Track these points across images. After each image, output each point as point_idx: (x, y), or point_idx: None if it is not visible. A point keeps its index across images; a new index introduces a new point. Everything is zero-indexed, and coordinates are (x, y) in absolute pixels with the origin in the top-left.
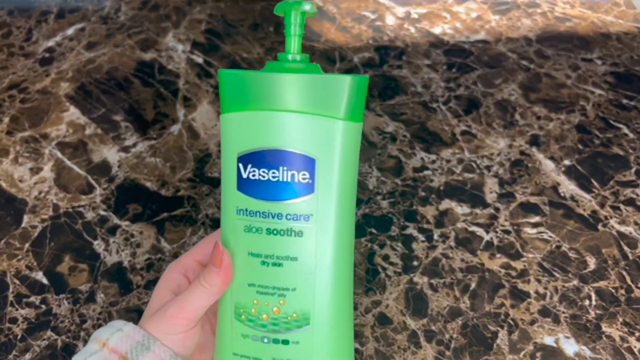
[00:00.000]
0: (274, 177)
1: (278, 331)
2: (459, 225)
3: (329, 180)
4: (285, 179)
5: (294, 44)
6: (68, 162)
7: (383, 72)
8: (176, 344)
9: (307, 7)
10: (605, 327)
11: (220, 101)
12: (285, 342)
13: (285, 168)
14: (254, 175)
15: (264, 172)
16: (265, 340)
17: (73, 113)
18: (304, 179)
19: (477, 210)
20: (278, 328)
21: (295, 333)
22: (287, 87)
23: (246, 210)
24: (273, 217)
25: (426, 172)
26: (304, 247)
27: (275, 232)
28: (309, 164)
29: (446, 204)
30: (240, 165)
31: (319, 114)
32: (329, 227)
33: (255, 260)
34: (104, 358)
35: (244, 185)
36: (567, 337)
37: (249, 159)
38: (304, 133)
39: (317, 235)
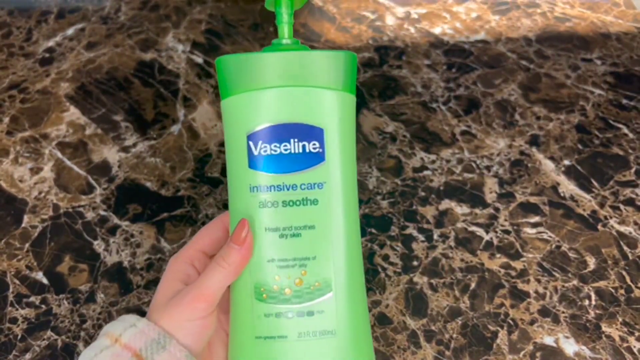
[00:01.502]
0: (285, 149)
1: (302, 302)
2: (459, 225)
3: (336, 148)
4: (297, 151)
5: (286, 30)
6: (68, 162)
7: (383, 72)
8: (193, 334)
9: None
10: (605, 327)
11: (220, 89)
12: (310, 313)
13: (295, 140)
14: (265, 151)
15: (275, 146)
16: (290, 314)
17: (73, 113)
18: (314, 148)
19: (477, 210)
20: (302, 299)
21: (319, 301)
22: (287, 64)
23: (259, 186)
24: (288, 189)
25: (426, 172)
26: (320, 214)
27: (291, 203)
28: (318, 133)
29: (446, 204)
30: (251, 143)
31: (319, 87)
32: (340, 192)
33: (272, 235)
34: (116, 354)
35: (255, 162)
36: (567, 337)
37: (259, 135)
38: (308, 105)
39: (331, 201)
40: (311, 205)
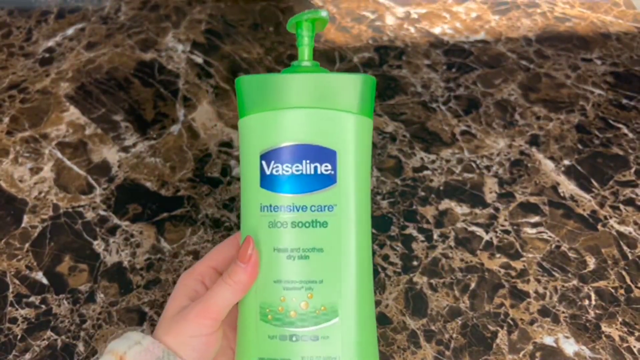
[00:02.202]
0: (297, 170)
1: (307, 326)
2: (459, 225)
3: (349, 171)
4: (308, 172)
5: (306, 53)
6: (68, 162)
7: (383, 72)
8: (197, 351)
9: (323, 13)
10: (604, 327)
11: (238, 108)
12: (315, 338)
13: (308, 161)
14: (277, 171)
15: (287, 167)
16: (294, 338)
17: (73, 113)
18: (326, 170)
19: (477, 210)
20: (306, 323)
21: (324, 327)
22: (305, 85)
23: (270, 206)
24: (298, 210)
25: (426, 172)
26: (329, 237)
27: (300, 224)
28: (331, 155)
29: (446, 204)
30: (264, 162)
31: (335, 109)
32: (352, 216)
33: (280, 256)
34: None
35: (267, 181)
36: (567, 337)
37: (272, 155)
38: (323, 127)
39: (341, 224)
40: (320, 228)
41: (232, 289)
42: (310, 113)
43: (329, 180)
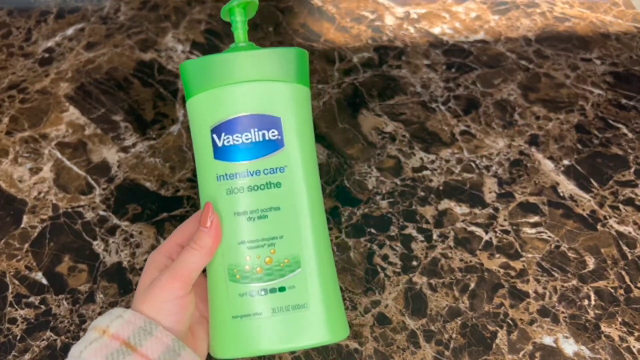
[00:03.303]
0: (247, 139)
1: (273, 279)
2: (458, 225)
3: (294, 134)
4: (257, 139)
5: (241, 35)
6: (67, 162)
7: (382, 72)
8: (173, 314)
9: None
10: (604, 327)
11: (185, 92)
12: (282, 289)
13: (255, 129)
14: (228, 142)
15: (237, 136)
16: (262, 292)
17: (72, 113)
18: (273, 135)
19: (476, 210)
20: (272, 277)
21: (290, 277)
22: (245, 62)
23: (226, 175)
24: (252, 175)
25: (425, 172)
26: (283, 196)
27: (256, 187)
28: (276, 122)
29: (445, 204)
30: (214, 135)
31: (275, 80)
32: (301, 175)
33: (241, 219)
34: (105, 345)
35: (220, 153)
36: (566, 337)
37: (222, 128)
38: (266, 97)
39: (293, 183)
40: (275, 189)
41: (198, 253)
42: (253, 86)
43: (277, 144)
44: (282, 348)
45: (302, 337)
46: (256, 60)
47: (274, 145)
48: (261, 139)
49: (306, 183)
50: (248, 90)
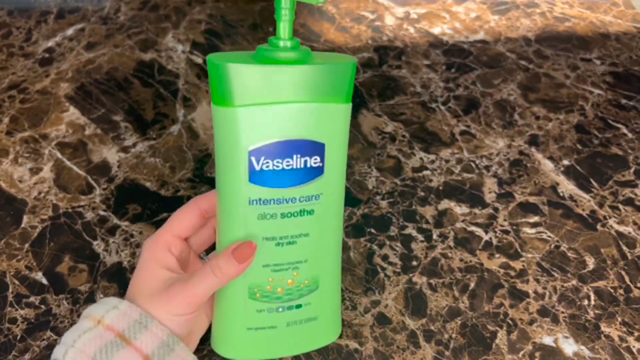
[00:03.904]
0: (288, 165)
1: (292, 299)
2: (458, 225)
3: (335, 160)
4: (299, 166)
5: (286, 30)
6: (68, 163)
7: (382, 72)
8: (175, 325)
9: None
10: (604, 327)
11: (213, 93)
12: (299, 306)
13: (298, 155)
14: (267, 167)
15: (278, 162)
16: (280, 309)
17: (73, 113)
18: (315, 163)
19: (476, 210)
20: (292, 297)
21: (307, 297)
22: (297, 79)
23: (259, 200)
24: (287, 202)
25: (425, 172)
26: (314, 223)
27: (289, 214)
28: (319, 148)
29: (445, 204)
30: (253, 158)
31: (326, 102)
32: (335, 202)
33: (269, 244)
34: (99, 335)
35: (257, 177)
36: (566, 337)
37: (262, 152)
38: (314, 121)
39: (326, 211)
40: (307, 216)
41: (219, 280)
42: (301, 108)
43: (317, 172)
44: (289, 354)
45: (310, 344)
46: (311, 78)
47: (315, 173)
48: (302, 166)
49: (337, 209)
50: (296, 113)
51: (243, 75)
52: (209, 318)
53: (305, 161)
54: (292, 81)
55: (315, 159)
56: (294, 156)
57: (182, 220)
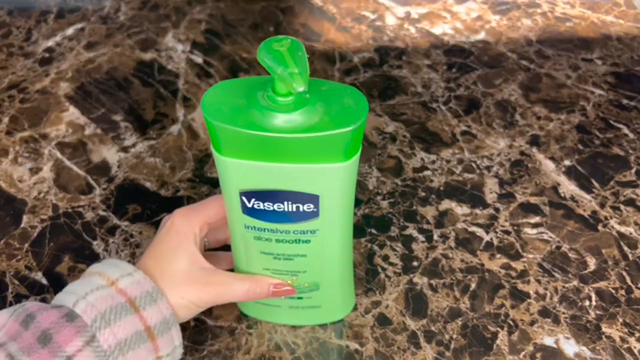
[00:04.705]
0: (279, 208)
1: (292, 298)
2: (459, 225)
3: (333, 205)
4: (290, 210)
5: (283, 86)
6: (67, 162)
7: (383, 72)
8: (180, 308)
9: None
10: (605, 328)
11: (212, 139)
12: (300, 298)
13: (289, 202)
14: (258, 206)
15: (268, 204)
16: (282, 298)
17: (72, 113)
18: (308, 209)
19: (477, 211)
20: (292, 296)
21: (308, 294)
22: (287, 147)
23: (254, 227)
24: (281, 233)
25: (426, 173)
26: (312, 249)
27: (284, 241)
28: (313, 198)
29: (446, 204)
30: (244, 198)
31: (320, 162)
32: (333, 233)
33: (268, 256)
34: (111, 296)
35: (249, 211)
36: (567, 338)
37: (252, 195)
38: (306, 177)
39: (322, 240)
40: (303, 244)
41: (245, 296)
42: (295, 168)
43: (311, 215)
44: (292, 324)
45: (314, 320)
46: (302, 146)
47: (308, 216)
48: (294, 210)
49: (337, 237)
50: (287, 171)
51: (229, 135)
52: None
53: (298, 207)
54: (282, 148)
55: (309, 206)
56: (285, 202)
57: (212, 208)
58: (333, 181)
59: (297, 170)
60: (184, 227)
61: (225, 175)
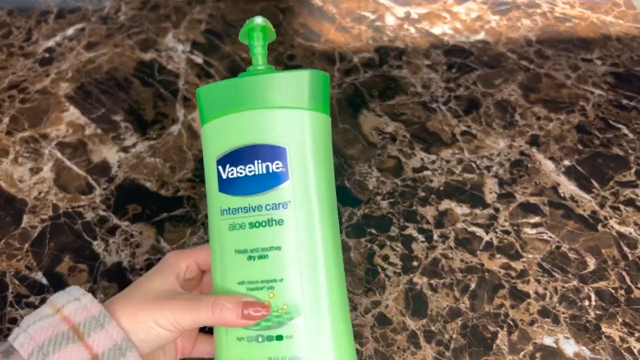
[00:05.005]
0: (250, 171)
1: (270, 327)
2: (459, 225)
3: (302, 167)
4: (260, 171)
5: (260, 59)
6: (68, 162)
7: (383, 73)
8: (151, 336)
9: (258, 20)
10: (604, 328)
11: (200, 117)
12: (279, 337)
13: (259, 161)
14: (232, 174)
15: (241, 169)
16: (260, 339)
17: (73, 113)
18: (277, 168)
19: (477, 211)
20: (270, 324)
21: (288, 326)
22: (254, 88)
23: (229, 209)
24: (254, 210)
25: (426, 173)
26: (285, 234)
27: (257, 224)
28: (281, 153)
29: (446, 204)
30: (220, 167)
31: (286, 107)
32: (307, 212)
33: (242, 257)
34: (53, 325)
35: (224, 185)
36: (567, 338)
37: (227, 159)
38: (272, 126)
39: (297, 221)
40: (277, 226)
41: (214, 319)
42: (260, 114)
43: (281, 177)
44: None
45: None
46: (267, 86)
47: (278, 179)
48: (264, 172)
49: (312, 221)
50: (255, 119)
51: (208, 92)
52: (182, 354)
53: (267, 166)
54: (249, 91)
55: (277, 163)
56: (255, 161)
57: (203, 250)
58: (298, 132)
59: (265, 118)
60: (170, 260)
61: (206, 144)
